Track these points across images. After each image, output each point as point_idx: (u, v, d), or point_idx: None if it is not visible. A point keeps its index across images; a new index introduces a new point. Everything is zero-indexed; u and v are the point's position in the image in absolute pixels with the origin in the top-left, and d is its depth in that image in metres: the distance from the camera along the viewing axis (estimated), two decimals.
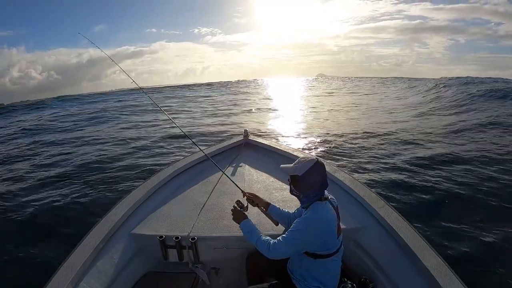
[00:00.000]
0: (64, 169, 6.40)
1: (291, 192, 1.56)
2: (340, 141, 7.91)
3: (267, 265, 1.51)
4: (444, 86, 23.00)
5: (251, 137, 3.67)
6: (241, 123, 11.77)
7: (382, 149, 6.98)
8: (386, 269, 1.72)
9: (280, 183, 2.71)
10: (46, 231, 3.81)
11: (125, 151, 7.71)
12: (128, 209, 2.11)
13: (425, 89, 24.91)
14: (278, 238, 1.45)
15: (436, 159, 5.84)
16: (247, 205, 1.82)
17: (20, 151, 8.80)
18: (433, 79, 39.60)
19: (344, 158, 6.36)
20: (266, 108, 17.71)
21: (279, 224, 1.83)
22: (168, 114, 3.40)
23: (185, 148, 7.67)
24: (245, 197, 1.87)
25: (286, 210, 1.83)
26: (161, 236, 1.93)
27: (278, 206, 1.84)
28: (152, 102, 3.74)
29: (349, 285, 1.55)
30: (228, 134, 9.35)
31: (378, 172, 5.31)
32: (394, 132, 8.73)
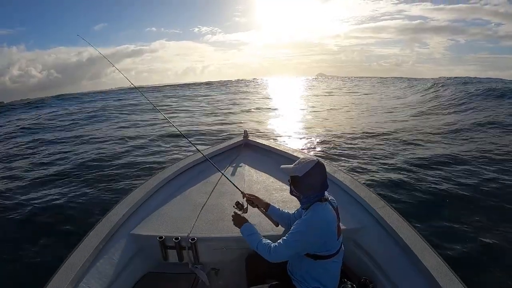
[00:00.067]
0: (63, 168, 6.40)
1: (291, 192, 1.56)
2: (340, 141, 7.90)
3: (267, 266, 1.51)
4: (442, 86, 23.06)
5: (251, 138, 3.67)
6: (240, 123, 11.75)
7: (382, 149, 6.98)
8: (386, 269, 1.72)
9: (280, 183, 2.71)
10: (46, 229, 3.80)
11: (124, 150, 7.70)
12: (128, 210, 2.11)
13: (424, 88, 24.95)
14: (278, 241, 1.44)
15: (436, 159, 5.85)
16: (247, 206, 1.82)
17: (19, 149, 8.78)
18: (432, 79, 39.71)
19: (344, 158, 6.36)
20: (266, 108, 17.64)
21: (279, 225, 1.84)
22: (168, 113, 3.40)
23: (183, 146, 7.65)
24: (245, 198, 1.86)
25: (286, 211, 1.83)
26: (161, 237, 1.93)
27: (278, 207, 1.84)
28: (149, 102, 3.75)
29: (349, 286, 1.55)
30: (227, 133, 9.35)
31: (378, 172, 5.31)
32: (394, 132, 8.73)
